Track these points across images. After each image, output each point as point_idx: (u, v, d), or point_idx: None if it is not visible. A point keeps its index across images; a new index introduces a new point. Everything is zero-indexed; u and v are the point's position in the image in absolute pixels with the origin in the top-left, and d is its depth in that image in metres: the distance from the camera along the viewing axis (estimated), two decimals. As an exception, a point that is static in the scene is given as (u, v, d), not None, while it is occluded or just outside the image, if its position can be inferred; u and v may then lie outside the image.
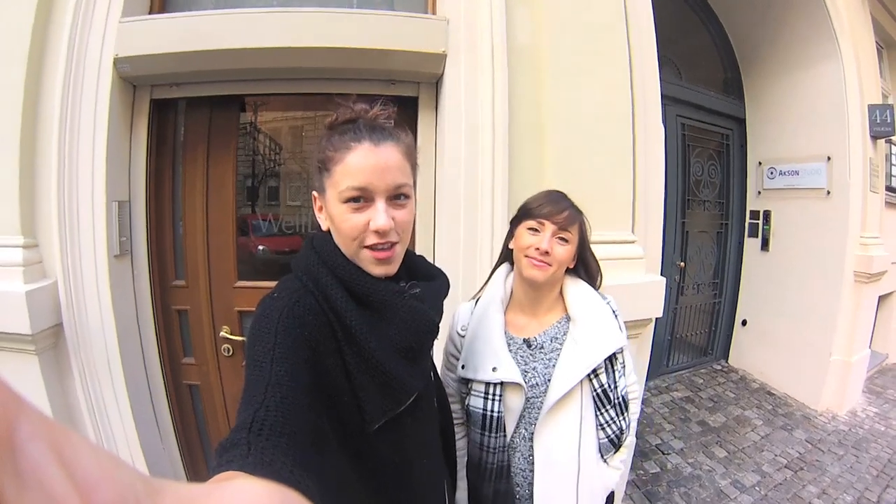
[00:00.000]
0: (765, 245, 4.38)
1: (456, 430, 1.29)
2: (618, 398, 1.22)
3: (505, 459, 1.21)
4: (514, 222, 1.27)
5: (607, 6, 2.13)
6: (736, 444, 3.30)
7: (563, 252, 1.17)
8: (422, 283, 0.93)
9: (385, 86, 2.13)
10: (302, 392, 0.65)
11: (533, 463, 1.19)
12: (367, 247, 0.81)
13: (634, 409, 1.33)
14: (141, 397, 2.10)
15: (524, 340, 1.24)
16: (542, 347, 1.23)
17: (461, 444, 1.29)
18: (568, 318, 1.24)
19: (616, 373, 1.22)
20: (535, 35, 2.09)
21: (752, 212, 4.52)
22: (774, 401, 3.99)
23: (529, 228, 1.20)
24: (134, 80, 2.02)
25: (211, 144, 2.18)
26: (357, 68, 2.03)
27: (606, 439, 1.21)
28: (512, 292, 1.31)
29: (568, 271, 1.26)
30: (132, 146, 2.08)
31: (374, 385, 0.77)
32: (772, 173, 4.31)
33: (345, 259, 0.82)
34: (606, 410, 1.20)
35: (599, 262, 1.31)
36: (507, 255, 1.33)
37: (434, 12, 2.12)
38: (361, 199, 0.79)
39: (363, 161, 0.78)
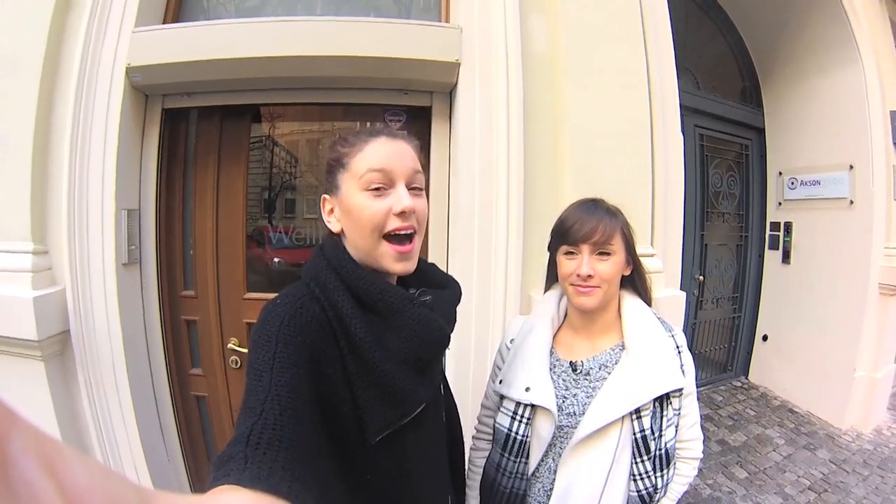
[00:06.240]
0: (786, 257, 4.25)
1: (481, 445, 1.26)
2: (660, 450, 1.05)
3: (522, 488, 1.12)
4: (551, 247, 1.15)
5: (624, 14, 2.08)
6: (757, 465, 3.18)
7: (609, 267, 1.05)
8: (433, 290, 0.92)
9: (398, 95, 2.12)
10: (301, 403, 0.63)
11: (551, 496, 1.09)
12: (387, 238, 0.80)
13: (686, 471, 1.12)
14: (146, 407, 2.09)
15: (570, 363, 1.13)
16: (587, 374, 1.10)
17: (479, 462, 1.23)
18: (623, 347, 1.11)
19: (664, 420, 1.05)
20: (550, 43, 2.05)
21: (772, 223, 4.40)
22: (797, 419, 3.85)
23: (566, 253, 1.08)
24: (145, 89, 2.03)
25: (222, 155, 2.18)
26: (370, 77, 2.01)
27: (636, 494, 1.04)
28: (566, 314, 1.22)
29: (624, 282, 1.14)
30: (143, 155, 2.08)
31: (376, 395, 0.76)
32: (792, 183, 4.19)
33: (354, 263, 0.82)
34: (642, 461, 1.03)
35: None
36: (554, 281, 1.20)
37: (447, 20, 2.10)
38: (381, 186, 0.80)
39: (382, 147, 0.82)
